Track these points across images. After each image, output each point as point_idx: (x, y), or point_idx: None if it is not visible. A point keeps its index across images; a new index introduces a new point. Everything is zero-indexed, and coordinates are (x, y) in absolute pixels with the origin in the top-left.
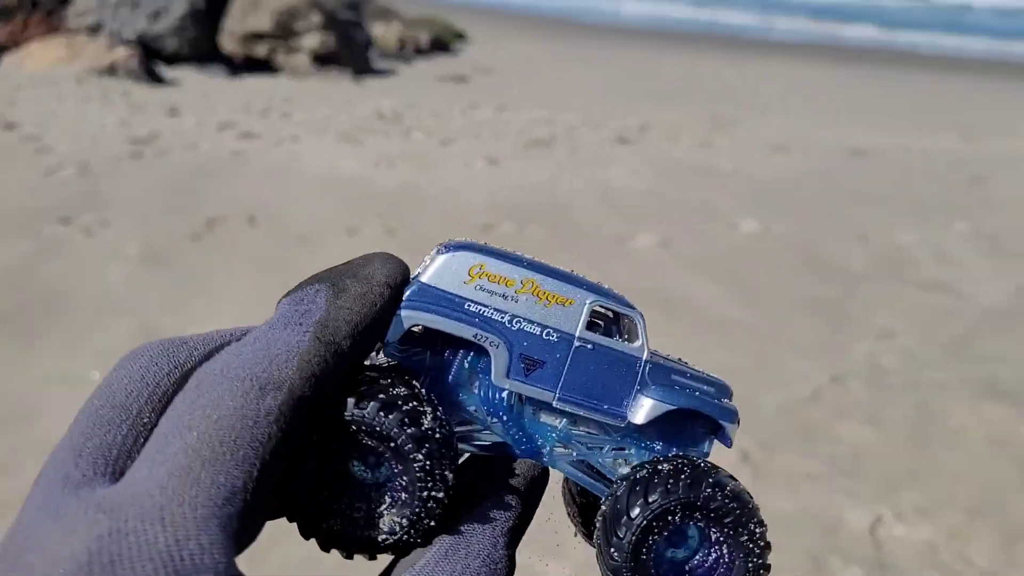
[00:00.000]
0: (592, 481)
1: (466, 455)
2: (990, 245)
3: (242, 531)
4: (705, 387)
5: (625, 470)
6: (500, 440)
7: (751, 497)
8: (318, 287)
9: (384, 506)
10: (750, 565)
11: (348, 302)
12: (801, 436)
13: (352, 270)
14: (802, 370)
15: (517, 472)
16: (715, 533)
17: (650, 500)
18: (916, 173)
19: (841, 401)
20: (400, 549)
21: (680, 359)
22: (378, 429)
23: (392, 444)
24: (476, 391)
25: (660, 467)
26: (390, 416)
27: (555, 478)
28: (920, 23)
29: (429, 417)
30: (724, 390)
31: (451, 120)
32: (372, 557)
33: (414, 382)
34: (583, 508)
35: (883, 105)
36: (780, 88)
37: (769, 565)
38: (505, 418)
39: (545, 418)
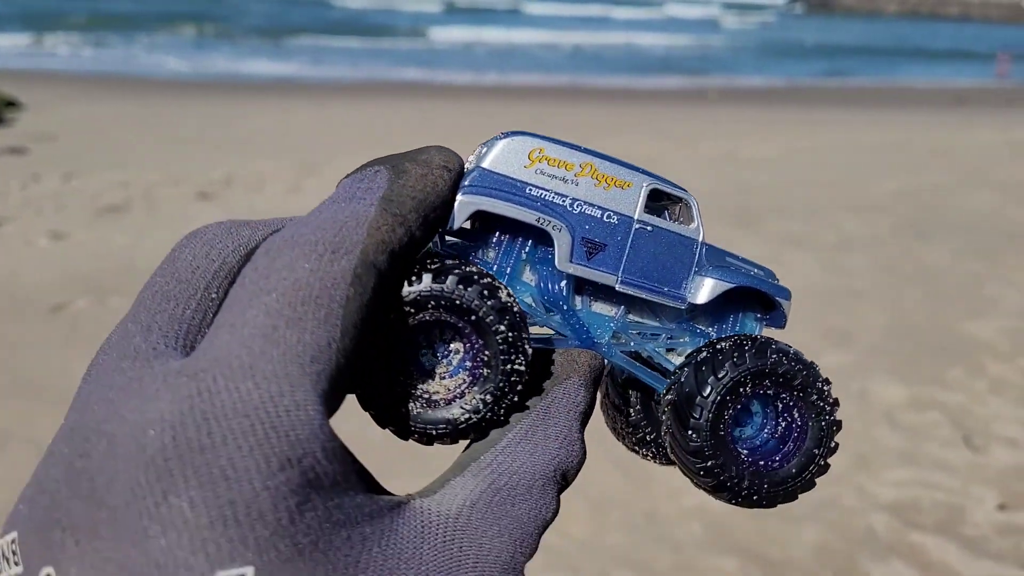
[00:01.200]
0: (647, 372)
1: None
2: None
3: (331, 394)
4: (756, 270)
5: (680, 360)
6: (558, 332)
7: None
8: (378, 168)
9: (466, 384)
10: (823, 423)
11: (410, 181)
12: (414, 458)
13: (409, 155)
14: None
15: (580, 361)
16: (784, 399)
17: (720, 375)
18: None
19: None
20: (482, 429)
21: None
22: (458, 302)
23: (473, 317)
24: (532, 283)
25: (720, 346)
26: (470, 288)
27: None
28: (470, 63)
29: (505, 292)
30: (772, 275)
31: (7, 197)
32: (453, 440)
33: (479, 265)
34: (629, 417)
35: (458, 132)
36: (363, 126)
37: (840, 421)
38: (565, 307)
39: (600, 308)
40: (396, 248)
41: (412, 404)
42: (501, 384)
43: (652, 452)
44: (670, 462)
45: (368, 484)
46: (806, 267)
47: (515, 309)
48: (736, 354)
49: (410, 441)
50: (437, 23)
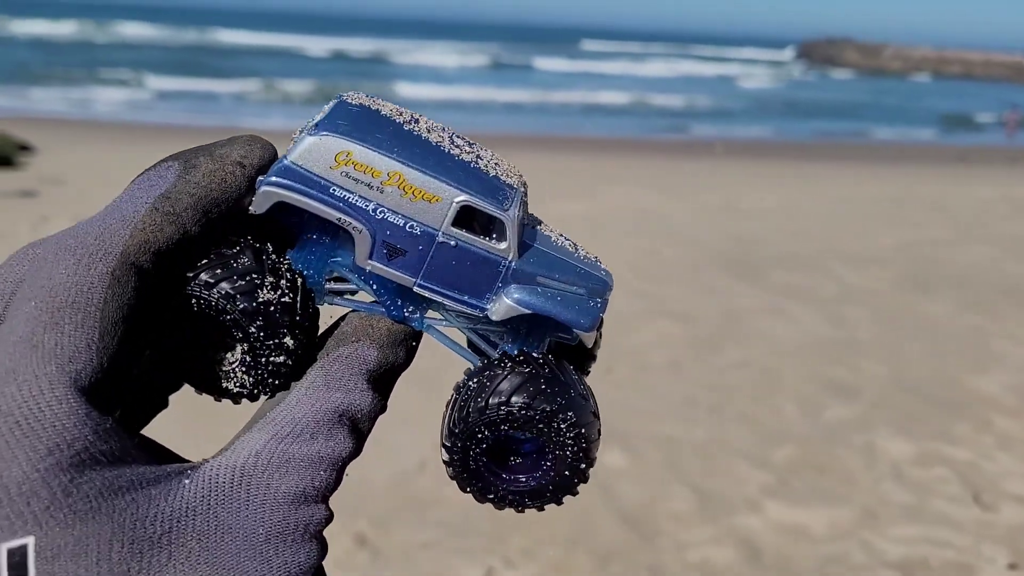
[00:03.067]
0: (464, 351)
1: (348, 310)
2: None
3: (95, 389)
4: (573, 288)
5: (498, 343)
6: (375, 298)
7: (569, 396)
8: (170, 164)
9: (236, 364)
10: (568, 453)
11: (195, 177)
12: (413, 507)
13: (209, 148)
14: (407, 442)
15: (377, 326)
16: (534, 431)
17: (466, 419)
18: None
19: None
20: (254, 398)
21: (574, 245)
22: (214, 303)
23: (227, 317)
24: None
25: (475, 382)
26: (221, 292)
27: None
28: (487, 113)
29: (267, 288)
30: (599, 287)
31: (16, 239)
32: (236, 402)
33: (266, 249)
34: None
35: None
36: None
37: (591, 458)
38: (375, 286)
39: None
40: (163, 247)
41: (215, 373)
42: (262, 372)
43: None
44: None
45: (156, 456)
46: (808, 319)
47: (271, 309)
48: (480, 398)
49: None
50: (456, 80)
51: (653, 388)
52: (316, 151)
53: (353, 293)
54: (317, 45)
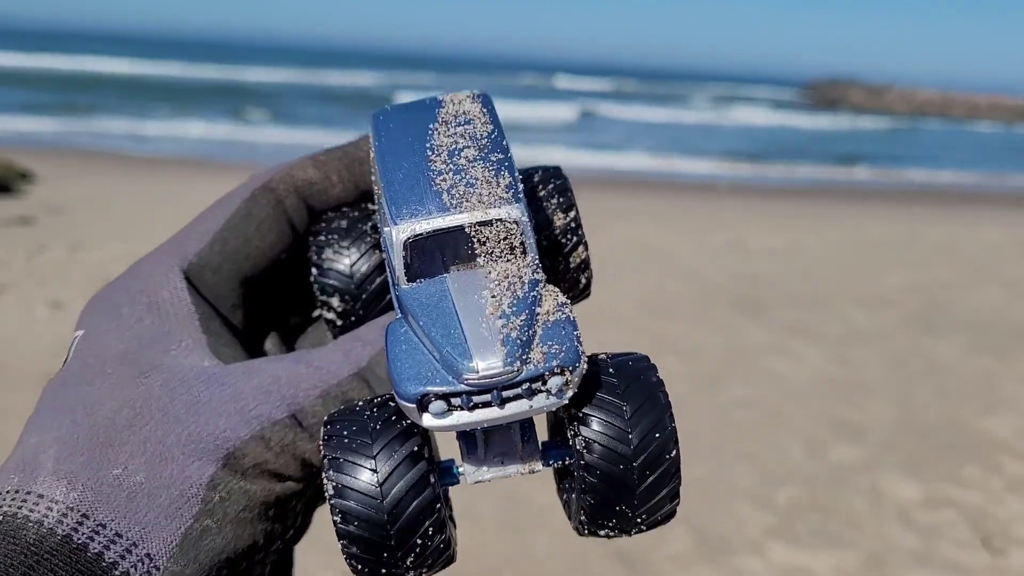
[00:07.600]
0: None
1: None
2: None
3: (203, 278)
4: (429, 346)
5: None
6: None
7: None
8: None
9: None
10: None
11: (349, 145)
12: None
13: None
14: None
15: None
16: None
17: None
18: None
19: None
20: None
21: (530, 311)
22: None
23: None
24: None
25: None
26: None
27: None
28: None
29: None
30: (452, 367)
31: (11, 267)
32: None
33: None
34: None
35: None
36: None
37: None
38: None
39: None
40: (300, 184)
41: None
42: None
43: None
44: None
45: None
46: (814, 358)
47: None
48: None
49: None
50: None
51: None
52: None
53: None
54: (320, 79)
